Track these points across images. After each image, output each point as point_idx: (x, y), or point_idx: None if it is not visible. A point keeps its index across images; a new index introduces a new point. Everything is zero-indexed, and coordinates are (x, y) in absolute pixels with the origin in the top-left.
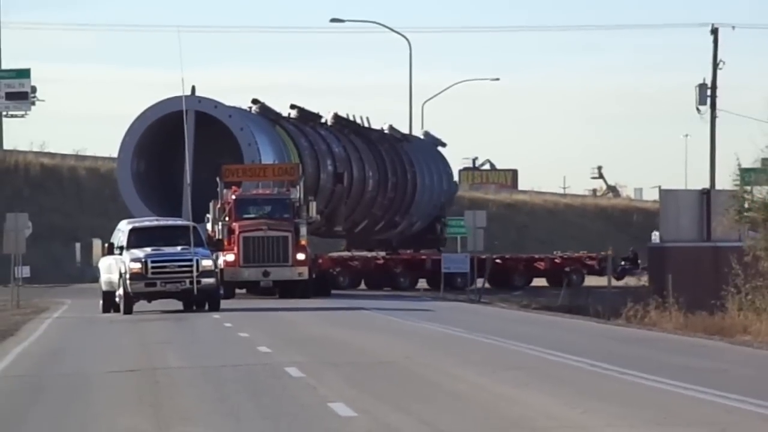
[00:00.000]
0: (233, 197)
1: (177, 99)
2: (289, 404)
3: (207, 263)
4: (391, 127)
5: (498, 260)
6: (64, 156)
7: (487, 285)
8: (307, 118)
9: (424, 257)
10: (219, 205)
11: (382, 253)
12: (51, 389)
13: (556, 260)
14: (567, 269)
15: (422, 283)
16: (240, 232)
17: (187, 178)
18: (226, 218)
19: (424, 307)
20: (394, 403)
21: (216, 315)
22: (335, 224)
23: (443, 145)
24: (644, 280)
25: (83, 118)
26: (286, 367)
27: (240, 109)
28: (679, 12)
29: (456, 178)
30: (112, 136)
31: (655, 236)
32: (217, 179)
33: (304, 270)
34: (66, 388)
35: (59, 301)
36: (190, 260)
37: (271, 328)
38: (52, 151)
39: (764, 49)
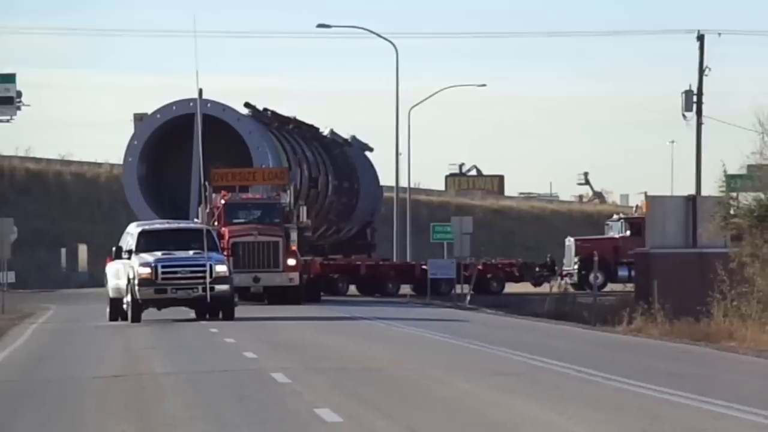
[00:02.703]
0: (222, 202)
1: (184, 102)
2: (275, 410)
3: (221, 269)
4: (332, 132)
5: (424, 266)
6: (49, 161)
7: (412, 292)
8: (282, 122)
9: (359, 263)
10: (208, 210)
11: (319, 259)
12: (36, 395)
13: (478, 267)
14: (488, 276)
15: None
16: (230, 237)
17: (199, 179)
18: (215, 223)
19: (412, 314)
20: (380, 408)
21: (202, 321)
22: (305, 229)
23: (370, 150)
24: (563, 284)
25: (69, 124)
26: (273, 372)
27: (244, 114)
28: (665, 18)
29: (443, 183)
30: (98, 142)
31: (570, 241)
32: (206, 183)
33: (295, 276)
34: (52, 394)
35: (44, 307)
36: (203, 265)
37: (257, 333)
38: (38, 156)
39: (750, 57)
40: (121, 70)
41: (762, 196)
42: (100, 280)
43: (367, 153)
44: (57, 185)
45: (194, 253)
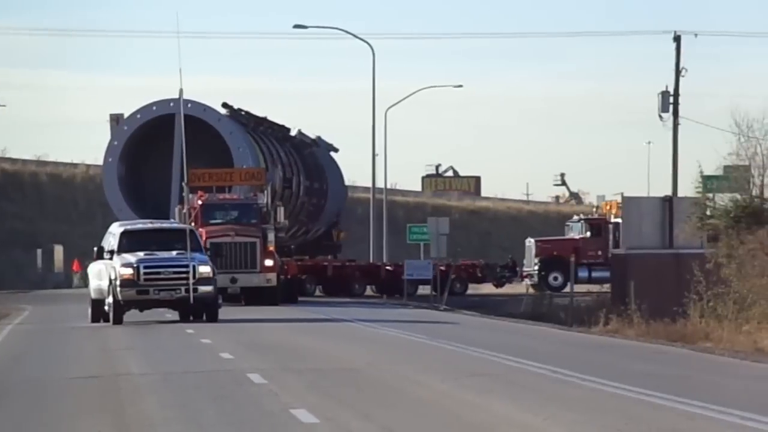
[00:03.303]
0: (200, 202)
1: (165, 102)
2: (252, 411)
3: (205, 270)
4: (300, 132)
5: (389, 267)
6: (25, 162)
7: (372, 292)
8: (257, 122)
9: (326, 264)
10: (185, 210)
11: (286, 259)
12: (12, 395)
13: (441, 267)
14: (452, 276)
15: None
16: (207, 238)
17: (183, 178)
18: (192, 224)
19: (389, 315)
20: (356, 409)
21: (185, 323)
22: (281, 230)
23: (336, 150)
24: (525, 283)
25: (45, 124)
26: (249, 373)
27: (224, 115)
28: (642, 19)
29: (419, 184)
30: (73, 142)
31: (530, 242)
32: (183, 184)
33: (273, 276)
34: (27, 395)
35: (20, 308)
36: (186, 266)
37: (233, 334)
38: (13, 156)
39: (727, 57)
40: (96, 70)
41: (738, 196)
42: (73, 282)
43: (332, 153)
44: (33, 186)
45: (177, 254)
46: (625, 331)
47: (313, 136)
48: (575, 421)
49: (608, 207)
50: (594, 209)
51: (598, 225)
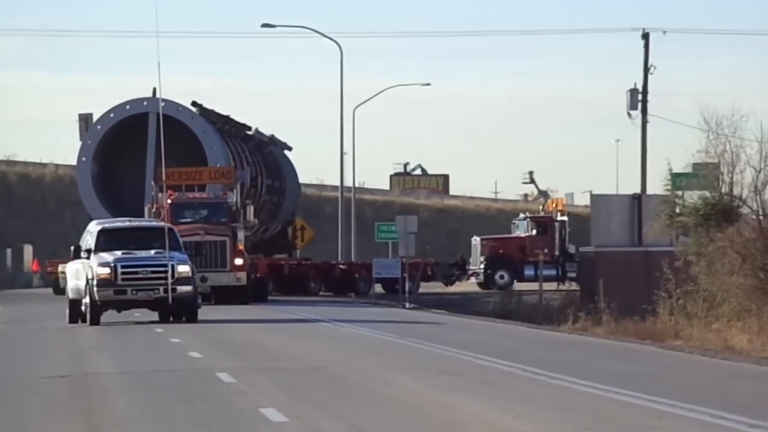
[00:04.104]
0: (169, 201)
1: (138, 101)
2: (221, 410)
3: (184, 269)
4: (257, 130)
5: (342, 266)
6: None
7: (323, 291)
8: (224, 121)
9: (282, 262)
10: (154, 210)
11: (256, 258)
12: None
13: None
14: (404, 275)
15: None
16: None
17: (155, 178)
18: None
19: (359, 314)
20: (326, 408)
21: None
22: (250, 229)
23: (290, 149)
24: (472, 281)
25: (13, 124)
26: (218, 372)
27: (197, 113)
28: (610, 17)
29: (387, 183)
30: (42, 142)
31: (476, 240)
32: (152, 183)
33: (243, 275)
34: None
35: None
36: (165, 265)
37: (202, 333)
38: None
39: (695, 55)
40: (66, 70)
41: (707, 194)
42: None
43: (286, 152)
44: (2, 185)
45: (156, 253)
46: (595, 330)
47: (268, 134)
48: (544, 419)
49: (554, 205)
50: (540, 207)
51: (544, 223)
